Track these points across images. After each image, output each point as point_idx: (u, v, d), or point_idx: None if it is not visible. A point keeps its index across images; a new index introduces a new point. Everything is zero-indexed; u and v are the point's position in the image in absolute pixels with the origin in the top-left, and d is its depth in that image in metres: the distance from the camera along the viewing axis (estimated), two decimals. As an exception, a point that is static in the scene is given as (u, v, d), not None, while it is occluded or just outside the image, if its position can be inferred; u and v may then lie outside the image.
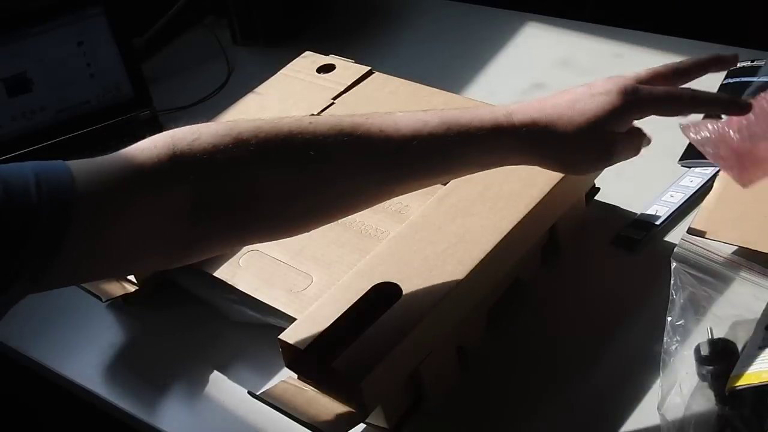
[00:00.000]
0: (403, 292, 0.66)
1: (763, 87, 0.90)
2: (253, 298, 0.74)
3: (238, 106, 0.91)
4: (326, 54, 0.95)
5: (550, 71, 1.04)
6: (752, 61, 0.94)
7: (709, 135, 0.69)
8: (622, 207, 0.83)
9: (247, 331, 0.77)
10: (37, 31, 1.06)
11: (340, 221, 0.79)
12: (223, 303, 0.78)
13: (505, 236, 0.69)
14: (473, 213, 0.71)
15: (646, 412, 0.66)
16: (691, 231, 0.73)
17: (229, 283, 0.76)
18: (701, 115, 0.74)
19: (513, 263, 0.72)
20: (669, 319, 0.67)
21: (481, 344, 0.73)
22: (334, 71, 0.93)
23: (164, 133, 0.58)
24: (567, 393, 0.69)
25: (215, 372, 0.76)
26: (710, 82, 0.94)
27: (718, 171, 0.80)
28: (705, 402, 0.62)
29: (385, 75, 0.91)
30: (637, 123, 0.93)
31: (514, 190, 0.73)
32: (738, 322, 0.65)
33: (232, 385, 0.75)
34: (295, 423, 0.62)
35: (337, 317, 0.66)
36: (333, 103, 0.88)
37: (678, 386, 0.63)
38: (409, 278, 0.67)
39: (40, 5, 1.06)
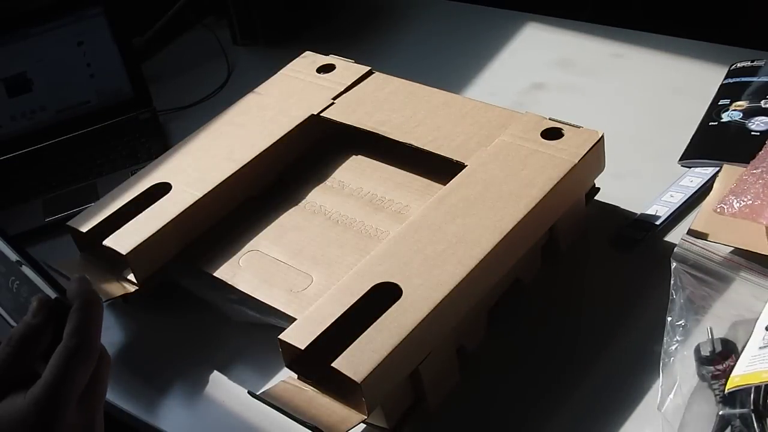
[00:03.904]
0: (403, 292, 0.66)
1: (763, 87, 0.90)
2: (253, 298, 0.74)
3: (238, 106, 0.91)
4: (326, 54, 0.95)
5: (550, 71, 1.04)
6: (752, 61, 0.95)
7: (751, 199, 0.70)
8: (622, 207, 0.83)
9: (247, 331, 0.77)
10: (37, 31, 1.06)
11: (339, 221, 0.80)
12: (223, 303, 0.78)
13: (505, 236, 0.69)
14: (473, 213, 0.71)
15: (646, 412, 0.66)
16: (691, 233, 0.73)
17: (229, 283, 0.76)
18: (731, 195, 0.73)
19: (513, 263, 0.72)
20: (669, 319, 0.67)
21: (481, 344, 0.73)
22: (334, 71, 0.93)
23: None
24: (567, 393, 0.69)
25: (215, 372, 0.76)
26: (710, 83, 0.95)
27: (718, 171, 0.80)
28: (705, 402, 0.62)
29: (385, 75, 0.91)
30: (636, 121, 0.93)
31: (514, 190, 0.73)
32: (738, 322, 0.65)
33: (232, 385, 0.75)
34: (295, 423, 0.62)
35: (337, 317, 0.66)
36: (333, 103, 0.88)
37: (678, 386, 0.63)
38: (409, 278, 0.67)
39: (40, 5, 1.06)
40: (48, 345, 0.52)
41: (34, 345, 0.52)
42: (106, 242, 0.78)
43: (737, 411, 0.59)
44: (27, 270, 0.55)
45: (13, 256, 0.56)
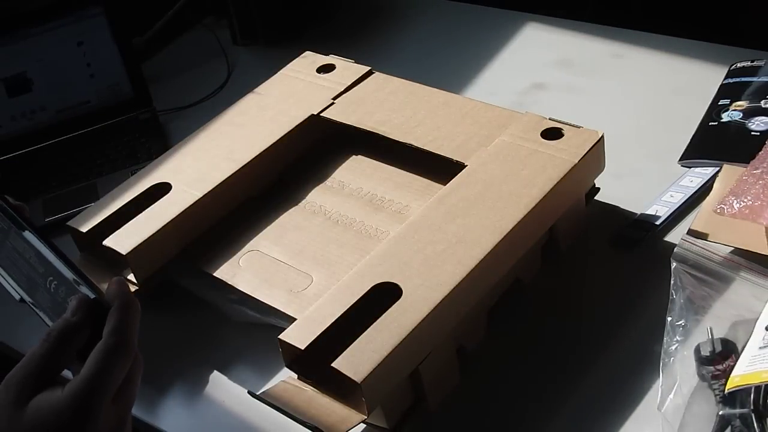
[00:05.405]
0: (403, 292, 0.66)
1: (763, 87, 0.90)
2: (253, 298, 0.74)
3: (238, 106, 0.91)
4: (326, 54, 0.95)
5: (550, 71, 1.04)
6: (752, 61, 0.95)
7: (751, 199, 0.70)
8: (622, 207, 0.83)
9: (247, 331, 0.77)
10: (37, 31, 1.06)
11: (339, 221, 0.80)
12: (223, 303, 0.78)
13: (505, 236, 0.69)
14: (473, 213, 0.71)
15: (646, 412, 0.66)
16: (690, 233, 0.73)
17: (229, 283, 0.76)
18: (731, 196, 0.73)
19: (513, 263, 0.72)
20: (669, 319, 0.67)
21: (481, 344, 0.73)
22: (334, 71, 0.93)
23: None
24: (567, 393, 0.69)
25: (215, 372, 0.76)
26: (710, 83, 0.95)
27: (718, 171, 0.80)
28: (705, 402, 0.62)
29: (385, 75, 0.91)
30: (636, 121, 0.93)
31: (514, 190, 0.73)
32: (738, 322, 0.65)
33: (232, 385, 0.75)
34: (295, 423, 0.62)
35: (337, 317, 0.66)
36: (333, 103, 0.88)
37: (678, 386, 0.63)
38: (409, 278, 0.67)
39: (40, 5, 1.06)
40: (84, 344, 0.53)
41: (71, 342, 0.53)
42: (106, 242, 0.78)
43: (737, 411, 0.59)
44: (65, 270, 0.56)
45: (51, 257, 0.57)
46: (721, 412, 0.60)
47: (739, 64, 0.95)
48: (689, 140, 0.88)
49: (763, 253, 0.70)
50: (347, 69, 0.92)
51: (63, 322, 0.53)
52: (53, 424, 0.50)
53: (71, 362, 0.53)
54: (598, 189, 0.81)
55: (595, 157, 0.77)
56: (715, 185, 0.78)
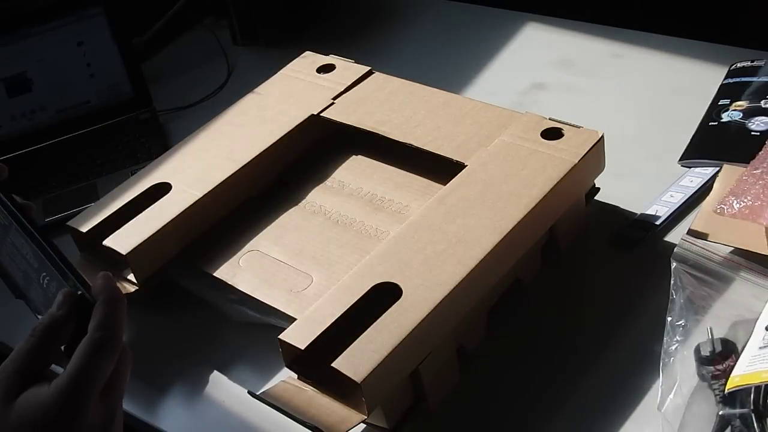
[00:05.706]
0: (403, 292, 0.66)
1: (763, 87, 0.90)
2: (253, 298, 0.74)
3: (238, 106, 0.91)
4: (326, 54, 0.95)
5: (550, 71, 1.04)
6: (752, 61, 0.95)
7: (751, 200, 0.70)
8: (622, 207, 0.83)
9: (247, 331, 0.77)
10: (37, 31, 1.06)
11: (339, 221, 0.80)
12: (223, 303, 0.78)
13: (505, 236, 0.69)
14: (473, 213, 0.71)
15: (646, 412, 0.66)
16: (691, 233, 0.73)
17: (229, 283, 0.76)
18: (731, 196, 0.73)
19: (513, 263, 0.72)
20: (669, 319, 0.67)
21: (481, 344, 0.73)
22: (334, 71, 0.93)
23: None
24: (567, 393, 0.69)
25: (215, 372, 0.76)
26: (710, 83, 0.95)
27: (718, 171, 0.80)
28: (705, 402, 0.62)
29: (385, 75, 0.91)
30: (636, 121, 0.93)
31: (514, 190, 0.73)
32: (738, 322, 0.65)
33: (232, 385, 0.75)
34: (295, 423, 0.62)
35: (337, 317, 0.66)
36: (333, 103, 0.88)
37: (678, 386, 0.63)
38: (409, 278, 0.67)
39: (40, 5, 1.06)
40: (71, 340, 0.53)
41: (57, 336, 0.53)
42: (106, 242, 0.78)
43: (737, 411, 0.59)
44: (55, 265, 0.56)
45: (43, 250, 0.57)
46: (721, 412, 0.60)
47: (739, 64, 0.95)
48: (689, 140, 0.88)
49: (763, 253, 0.70)
50: (347, 69, 0.92)
51: (48, 317, 0.53)
52: (40, 420, 0.50)
53: (58, 357, 0.53)
54: (598, 189, 0.81)
55: (595, 157, 0.77)
56: (715, 185, 0.78)
